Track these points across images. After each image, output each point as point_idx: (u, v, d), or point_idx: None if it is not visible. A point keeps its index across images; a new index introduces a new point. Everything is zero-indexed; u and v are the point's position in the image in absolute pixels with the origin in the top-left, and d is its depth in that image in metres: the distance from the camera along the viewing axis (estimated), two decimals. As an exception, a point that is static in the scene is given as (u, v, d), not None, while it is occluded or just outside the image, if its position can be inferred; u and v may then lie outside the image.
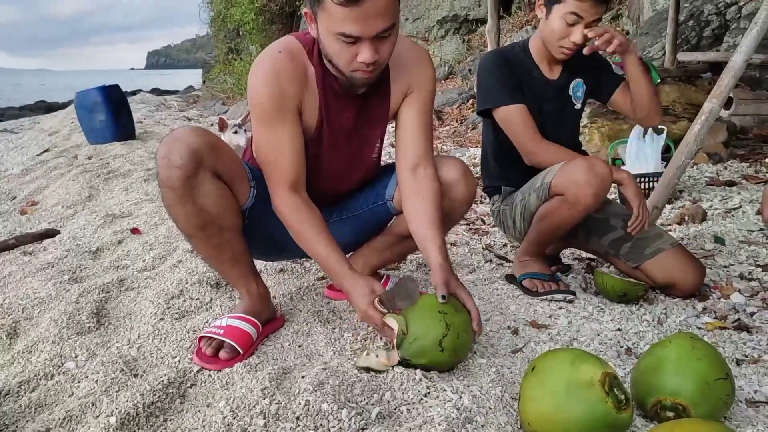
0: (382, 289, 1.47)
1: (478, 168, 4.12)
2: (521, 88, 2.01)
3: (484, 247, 2.59)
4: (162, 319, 1.73)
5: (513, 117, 1.99)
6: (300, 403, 1.24)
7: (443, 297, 1.41)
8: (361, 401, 1.28)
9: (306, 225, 1.53)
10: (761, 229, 2.56)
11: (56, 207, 3.36)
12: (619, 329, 1.76)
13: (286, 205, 1.53)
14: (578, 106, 2.12)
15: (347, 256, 1.92)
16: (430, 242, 1.53)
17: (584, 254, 2.42)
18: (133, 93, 15.82)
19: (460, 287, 1.47)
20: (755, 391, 1.42)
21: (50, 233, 2.75)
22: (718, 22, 5.79)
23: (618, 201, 2.39)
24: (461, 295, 1.46)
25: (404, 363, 1.40)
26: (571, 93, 2.09)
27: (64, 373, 1.47)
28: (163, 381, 1.36)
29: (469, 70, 8.47)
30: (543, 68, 2.05)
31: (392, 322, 1.43)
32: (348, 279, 1.49)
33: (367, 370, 1.42)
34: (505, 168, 2.15)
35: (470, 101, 7.05)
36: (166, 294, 1.89)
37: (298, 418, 1.21)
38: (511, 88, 1.99)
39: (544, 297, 1.95)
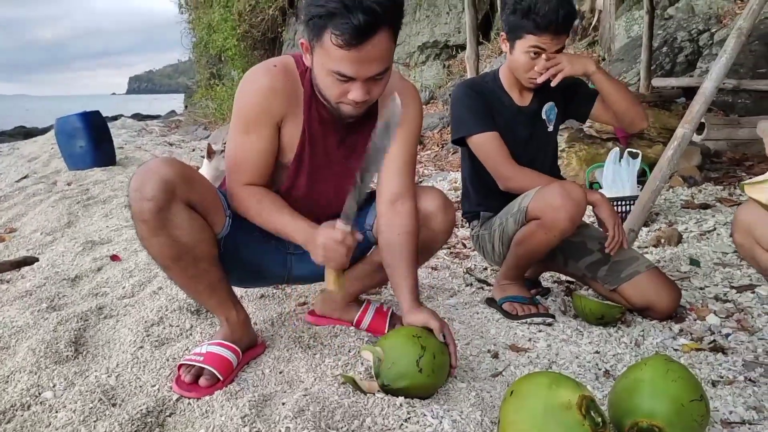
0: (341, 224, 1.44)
1: (460, 192, 4.17)
2: (493, 115, 2.05)
3: (465, 270, 2.61)
4: (141, 347, 1.72)
5: (486, 144, 2.03)
6: (281, 431, 1.24)
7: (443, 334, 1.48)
8: (342, 427, 1.28)
9: (265, 202, 1.55)
10: (735, 251, 2.61)
11: (35, 234, 3.33)
12: (597, 352, 1.78)
13: (244, 194, 1.56)
14: (551, 128, 2.16)
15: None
16: (402, 280, 1.56)
17: (563, 277, 2.45)
18: (114, 118, 15.75)
19: (440, 323, 1.50)
20: (730, 412, 1.44)
21: (28, 261, 2.72)
22: (691, 49, 5.93)
23: (596, 225, 2.42)
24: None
25: (385, 389, 1.40)
26: (544, 117, 2.13)
27: (41, 403, 1.45)
28: (141, 410, 1.35)
29: (449, 95, 8.57)
30: (513, 96, 2.10)
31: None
32: (310, 229, 1.49)
33: (353, 382, 1.43)
34: (483, 194, 2.19)
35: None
36: (145, 321, 1.88)
37: (278, 446, 1.21)
38: (483, 117, 2.04)
39: (524, 320, 1.97)
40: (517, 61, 1.99)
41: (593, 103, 2.14)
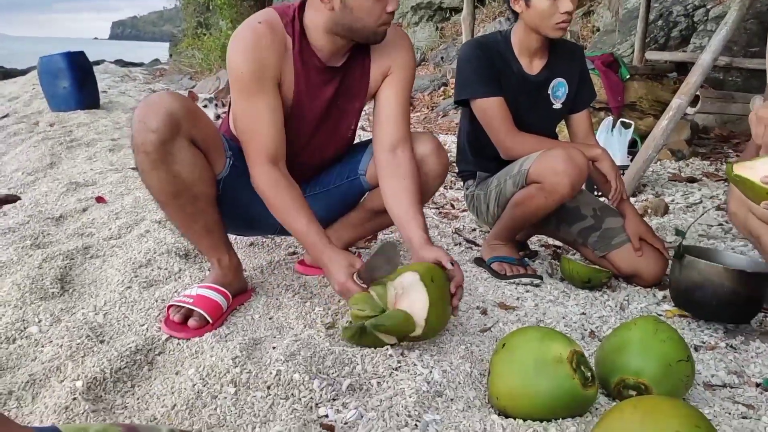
0: (361, 263, 1.48)
1: (449, 153, 4.14)
2: (499, 79, 2.01)
3: (454, 230, 2.61)
4: (129, 287, 1.70)
5: (490, 110, 1.99)
6: (271, 373, 1.24)
7: (452, 264, 1.46)
8: (333, 373, 1.29)
9: (285, 199, 1.52)
10: (720, 224, 2.65)
11: (16, 173, 3.26)
12: (583, 313, 1.80)
13: (264, 178, 1.52)
14: (557, 105, 2.11)
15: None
16: (412, 221, 1.54)
17: (551, 241, 2.47)
18: (97, 63, 15.33)
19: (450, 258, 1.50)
20: (712, 376, 1.47)
21: (10, 199, 2.68)
22: (686, 24, 5.90)
23: (585, 189, 2.43)
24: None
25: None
26: (550, 92, 2.08)
27: (27, 337, 1.44)
28: (130, 348, 1.35)
29: (441, 57, 8.48)
30: (523, 62, 2.04)
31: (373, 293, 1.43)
32: (327, 252, 1.49)
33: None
34: (480, 155, 2.17)
35: (441, 89, 7.07)
36: (133, 263, 1.85)
37: (269, 387, 1.22)
38: (490, 80, 1.99)
39: (512, 280, 1.98)
40: (540, 10, 1.90)
41: (582, 112, 2.15)
